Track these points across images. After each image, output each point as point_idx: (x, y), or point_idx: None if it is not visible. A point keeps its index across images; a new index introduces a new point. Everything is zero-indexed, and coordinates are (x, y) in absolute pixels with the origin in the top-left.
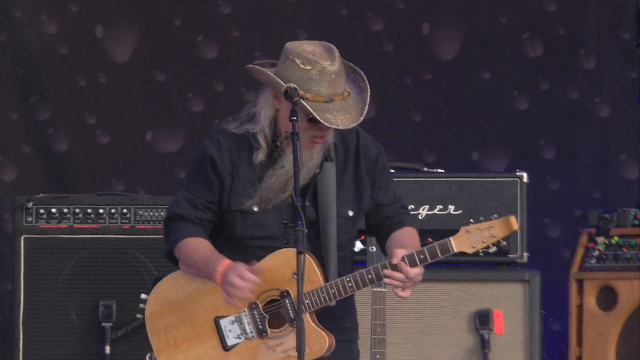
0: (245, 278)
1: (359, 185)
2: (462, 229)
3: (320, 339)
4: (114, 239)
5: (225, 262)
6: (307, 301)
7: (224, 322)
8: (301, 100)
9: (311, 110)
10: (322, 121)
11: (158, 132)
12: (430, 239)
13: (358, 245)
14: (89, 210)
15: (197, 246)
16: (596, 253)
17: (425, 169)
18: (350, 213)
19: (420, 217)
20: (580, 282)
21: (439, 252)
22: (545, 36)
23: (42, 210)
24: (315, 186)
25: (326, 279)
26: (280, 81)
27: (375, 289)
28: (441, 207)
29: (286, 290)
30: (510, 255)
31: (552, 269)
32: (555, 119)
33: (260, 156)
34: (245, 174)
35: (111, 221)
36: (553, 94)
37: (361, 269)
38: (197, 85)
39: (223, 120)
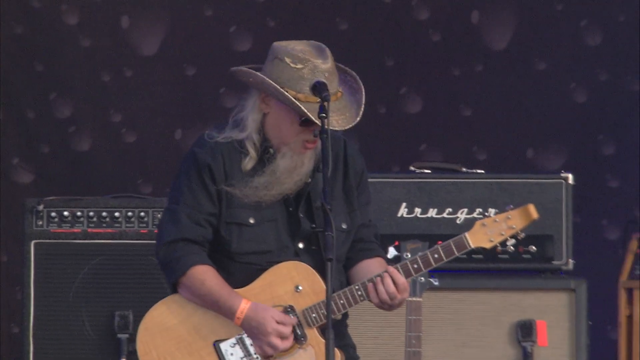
0: (284, 335)
1: (349, 197)
2: (477, 223)
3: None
4: (130, 245)
5: (243, 307)
6: (314, 315)
7: (224, 346)
8: (295, 101)
9: (305, 112)
10: (317, 122)
11: (188, 130)
12: None
13: (391, 252)
14: (104, 214)
15: (206, 276)
16: None
17: (464, 169)
18: (344, 226)
19: (458, 222)
20: (630, 291)
21: (454, 249)
22: (605, 23)
23: (53, 214)
24: (308, 197)
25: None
26: (271, 82)
27: (410, 299)
28: (481, 210)
29: (290, 305)
30: (554, 262)
31: (613, 274)
32: (616, 112)
33: (249, 164)
34: (238, 184)
35: (127, 225)
36: (613, 85)
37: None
38: (229, 80)
39: (208, 128)
